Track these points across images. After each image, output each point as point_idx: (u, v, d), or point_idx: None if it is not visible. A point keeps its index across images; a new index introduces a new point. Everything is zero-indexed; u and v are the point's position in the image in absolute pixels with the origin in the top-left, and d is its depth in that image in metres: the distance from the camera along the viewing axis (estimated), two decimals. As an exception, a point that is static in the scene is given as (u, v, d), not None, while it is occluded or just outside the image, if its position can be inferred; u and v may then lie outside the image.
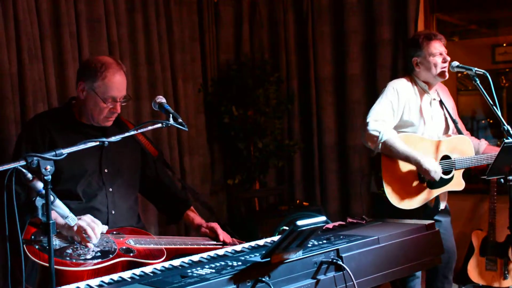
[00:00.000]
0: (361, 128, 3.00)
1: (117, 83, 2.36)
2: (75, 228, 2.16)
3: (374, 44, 4.34)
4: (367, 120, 2.93)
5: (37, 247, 2.08)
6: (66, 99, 3.34)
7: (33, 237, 2.11)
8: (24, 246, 2.04)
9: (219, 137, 4.47)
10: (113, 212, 2.45)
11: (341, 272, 1.90)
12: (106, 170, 2.46)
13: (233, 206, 4.46)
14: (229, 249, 2.10)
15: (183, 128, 2.10)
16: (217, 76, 4.46)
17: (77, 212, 2.28)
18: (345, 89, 4.46)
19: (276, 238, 2.22)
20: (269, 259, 1.73)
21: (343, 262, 1.90)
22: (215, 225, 2.56)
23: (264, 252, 1.75)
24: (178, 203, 2.71)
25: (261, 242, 2.18)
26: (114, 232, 2.37)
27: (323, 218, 1.79)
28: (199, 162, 4.30)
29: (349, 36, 4.41)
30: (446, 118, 3.12)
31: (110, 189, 2.45)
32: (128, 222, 2.50)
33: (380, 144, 2.87)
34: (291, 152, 4.48)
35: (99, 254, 2.16)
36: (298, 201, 4.33)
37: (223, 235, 2.51)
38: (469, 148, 3.09)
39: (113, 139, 1.96)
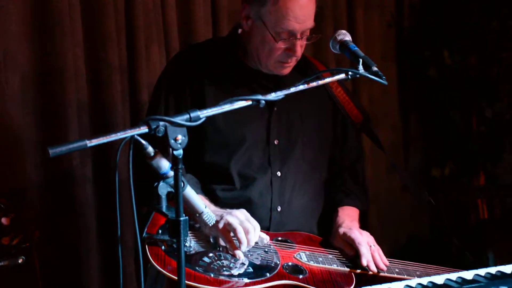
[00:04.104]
0: None
1: (298, 9, 2.16)
2: (220, 225, 2.05)
3: None
4: None
5: (163, 248, 2.00)
6: (188, 39, 3.26)
7: (160, 231, 2.01)
8: (147, 246, 1.97)
9: (420, 100, 4.20)
10: (280, 209, 2.31)
11: None
12: (276, 142, 2.34)
13: (441, 210, 3.99)
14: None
15: (381, 81, 1.95)
16: (419, 2, 4.14)
17: (226, 205, 2.20)
18: None
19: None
20: None
21: None
22: (361, 237, 2.23)
23: None
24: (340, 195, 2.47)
25: None
26: (280, 238, 2.28)
27: None
28: (385, 140, 3.82)
29: None
30: None
31: (279, 173, 2.30)
32: (303, 225, 2.34)
33: None
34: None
35: (250, 269, 2.09)
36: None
37: (368, 258, 2.17)
38: None
39: (271, 96, 1.82)
